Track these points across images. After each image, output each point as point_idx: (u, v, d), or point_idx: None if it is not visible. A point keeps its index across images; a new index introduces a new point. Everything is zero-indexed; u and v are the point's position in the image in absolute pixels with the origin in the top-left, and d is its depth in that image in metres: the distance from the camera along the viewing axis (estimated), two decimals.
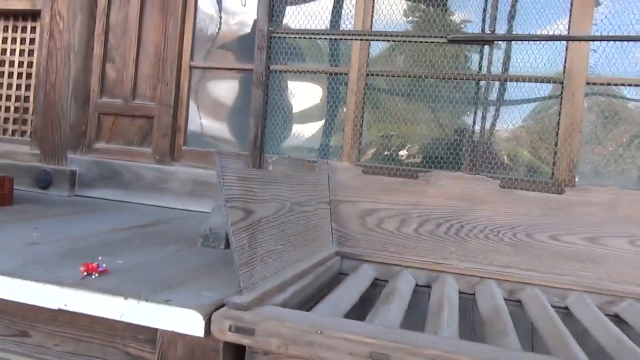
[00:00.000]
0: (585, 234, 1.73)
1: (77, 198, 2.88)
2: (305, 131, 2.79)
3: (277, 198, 1.42)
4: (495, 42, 1.85)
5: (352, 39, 2.27)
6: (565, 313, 1.65)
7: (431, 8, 2.57)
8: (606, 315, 1.57)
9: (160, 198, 2.84)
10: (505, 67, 2.45)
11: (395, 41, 2.10)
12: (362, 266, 1.83)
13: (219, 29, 2.96)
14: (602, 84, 2.39)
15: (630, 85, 2.37)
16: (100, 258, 1.38)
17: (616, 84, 2.38)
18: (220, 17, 2.97)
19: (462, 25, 2.59)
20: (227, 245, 1.89)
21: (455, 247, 1.82)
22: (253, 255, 1.21)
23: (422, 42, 1.96)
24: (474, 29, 2.58)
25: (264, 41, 2.08)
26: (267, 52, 2.08)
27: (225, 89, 2.96)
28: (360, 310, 1.52)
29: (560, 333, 1.26)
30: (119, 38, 3.02)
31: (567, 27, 2.42)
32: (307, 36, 2.11)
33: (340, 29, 2.68)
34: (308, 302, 1.48)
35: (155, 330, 1.14)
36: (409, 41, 2.05)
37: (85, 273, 1.24)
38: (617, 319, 1.63)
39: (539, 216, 1.78)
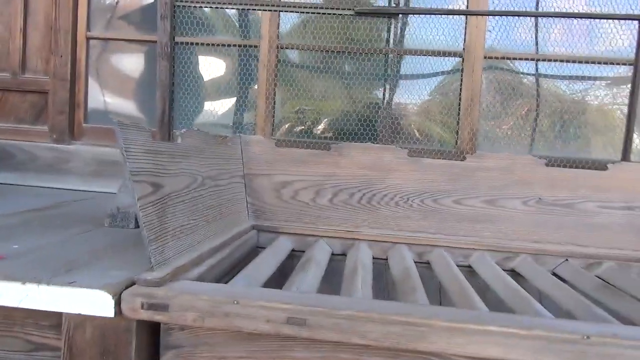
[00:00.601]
0: (485, 197, 1.86)
1: None
2: (218, 107, 2.72)
3: (187, 172, 1.37)
4: (400, 14, 1.90)
5: (260, 10, 2.23)
6: (469, 271, 1.77)
7: None
8: (504, 270, 1.72)
9: (61, 180, 2.64)
10: (411, 41, 2.54)
11: (304, 12, 2.10)
12: (279, 238, 1.84)
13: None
14: (498, 58, 2.56)
15: (523, 59, 2.56)
16: None
17: (510, 58, 2.56)
18: None
19: (373, 1, 2.64)
20: (137, 225, 1.81)
21: (367, 215, 1.88)
22: (164, 230, 1.16)
23: (330, 14, 1.97)
24: (383, 3, 2.64)
25: (167, 10, 1.97)
26: (172, 21, 1.97)
27: (129, 63, 2.79)
28: (278, 280, 1.52)
29: (464, 289, 1.36)
30: (2, 5, 2.72)
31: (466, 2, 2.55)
32: (214, 5, 2.03)
33: None
34: (225, 276, 1.46)
35: (60, 314, 1.07)
36: (318, 13, 2.05)
37: None
38: (514, 273, 1.78)
39: (443, 182, 1.88)
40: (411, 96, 2.65)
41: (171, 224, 1.20)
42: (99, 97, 2.77)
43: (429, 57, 2.55)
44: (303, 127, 2.68)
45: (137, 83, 2.78)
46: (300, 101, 2.62)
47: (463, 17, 2.50)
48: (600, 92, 2.57)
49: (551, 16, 1.98)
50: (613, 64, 2.47)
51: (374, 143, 2.06)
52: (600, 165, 1.86)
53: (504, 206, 1.86)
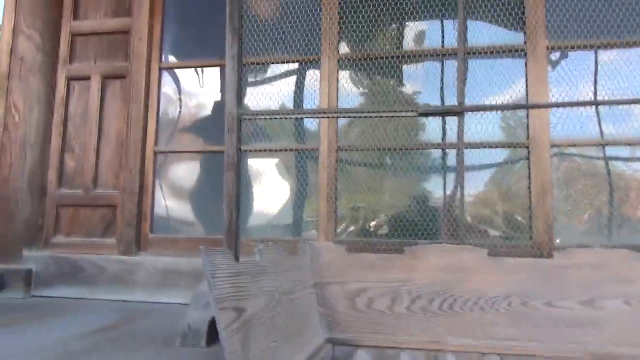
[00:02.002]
0: (580, 297, 1.69)
1: (33, 299, 2.65)
2: (277, 208, 2.72)
3: (266, 290, 1.31)
4: (465, 112, 1.88)
5: (324, 117, 2.28)
6: None
7: (391, 82, 2.65)
8: None
9: (127, 291, 2.65)
10: (471, 135, 2.51)
11: (366, 117, 2.12)
12: (357, 353, 1.71)
13: (179, 111, 2.93)
14: (565, 146, 2.47)
15: (589, 145, 2.46)
16: None
17: (576, 145, 2.47)
18: (180, 100, 2.95)
19: (414, 96, 2.67)
20: (209, 342, 1.74)
21: (450, 322, 1.74)
22: (247, 359, 1.08)
23: (393, 116, 1.98)
24: (424, 99, 2.66)
25: (234, 124, 2.04)
26: (238, 134, 2.03)
27: (190, 171, 2.89)
28: None
29: None
30: (79, 127, 2.93)
31: (524, 93, 2.53)
32: (277, 116, 2.09)
33: (304, 106, 2.71)
34: None
35: None
36: (381, 117, 2.07)
37: None
38: None
39: (531, 283, 1.73)
40: (476, 188, 2.57)
41: (253, 351, 1.13)
42: (163, 206, 2.84)
43: (492, 149, 2.51)
44: (365, 223, 2.63)
45: (197, 189, 2.85)
46: (359, 196, 2.58)
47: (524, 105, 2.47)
48: None
49: (619, 103, 1.91)
50: None
51: (448, 243, 1.96)
52: None
53: (604, 307, 1.67)
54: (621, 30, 2.49)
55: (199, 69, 2.93)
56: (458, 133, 2.00)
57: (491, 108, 2.14)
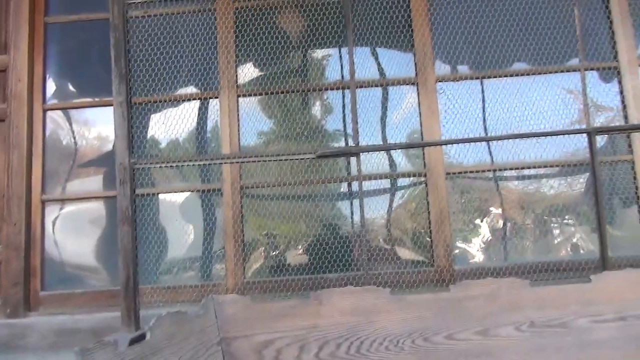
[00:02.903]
0: (477, 328, 1.77)
1: None
2: (183, 251, 2.62)
3: None
4: (360, 153, 1.93)
5: (224, 162, 2.23)
6: None
7: (292, 114, 2.66)
8: None
9: (18, 358, 2.40)
10: (371, 166, 2.58)
11: (265, 161, 2.10)
12: None
13: (70, 155, 2.74)
14: (458, 173, 2.61)
15: (481, 171, 2.62)
16: None
17: (470, 172, 2.62)
18: (71, 143, 2.76)
19: (317, 127, 2.71)
20: None
21: None
22: None
23: (293, 159, 1.98)
24: (330, 125, 2.71)
25: (126, 174, 1.93)
26: (132, 185, 1.93)
27: (84, 219, 2.69)
28: None
29: None
30: None
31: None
32: (173, 164, 2.01)
33: (207, 143, 2.64)
34: None
35: None
36: (280, 160, 2.06)
37: None
38: None
39: (431, 318, 1.79)
40: (380, 218, 2.64)
41: None
42: (55, 259, 2.62)
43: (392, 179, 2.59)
44: (274, 262, 2.60)
45: (98, 239, 2.67)
46: (269, 234, 2.56)
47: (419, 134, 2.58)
48: (558, 189, 2.64)
49: (505, 138, 2.05)
50: (565, 165, 2.57)
51: (352, 285, 1.99)
52: (584, 278, 1.83)
53: (498, 335, 1.77)
54: (504, 62, 2.70)
55: (90, 109, 2.75)
56: (357, 170, 2.04)
57: (385, 148, 2.22)
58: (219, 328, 1.78)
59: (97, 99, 2.74)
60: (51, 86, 2.77)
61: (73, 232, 2.64)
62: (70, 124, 2.75)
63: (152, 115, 2.72)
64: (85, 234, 2.66)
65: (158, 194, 2.57)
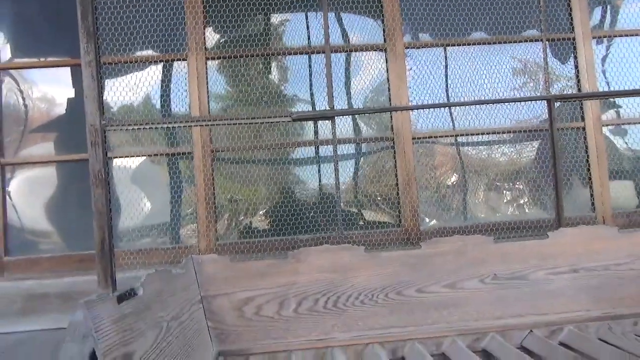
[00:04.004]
0: (445, 281, 1.90)
1: None
2: (154, 215, 2.61)
3: (153, 323, 1.27)
4: (334, 117, 1.97)
5: (196, 125, 2.21)
6: (444, 359, 1.77)
7: (264, 78, 2.66)
8: (475, 352, 1.74)
9: None
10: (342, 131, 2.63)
11: (240, 124, 2.10)
12: None
13: (29, 116, 2.63)
14: (423, 138, 2.71)
15: (445, 136, 2.73)
16: None
17: (434, 137, 2.72)
18: (29, 104, 2.65)
19: (289, 91, 2.73)
20: None
21: (336, 319, 1.84)
22: None
23: (268, 122, 1.99)
24: (299, 91, 2.73)
25: (97, 136, 1.89)
26: (103, 147, 1.89)
27: (48, 183, 2.62)
28: None
29: None
30: None
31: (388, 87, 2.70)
32: (146, 126, 1.98)
33: (175, 107, 2.61)
34: None
35: None
36: (256, 123, 2.07)
37: None
38: (485, 354, 1.80)
39: (404, 273, 1.90)
40: (351, 182, 2.71)
41: None
42: (20, 226, 2.55)
43: (362, 143, 2.65)
44: (245, 222, 2.63)
45: (63, 203, 2.60)
46: (240, 197, 2.58)
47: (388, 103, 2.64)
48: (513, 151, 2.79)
49: (470, 104, 2.14)
50: (524, 131, 2.71)
51: (329, 244, 2.06)
52: (541, 234, 1.98)
53: (464, 287, 1.90)
54: (467, 30, 2.78)
55: (52, 69, 2.64)
56: (332, 133, 2.08)
57: (358, 112, 2.27)
58: (199, 286, 1.82)
59: (58, 58, 2.63)
60: (4, 43, 2.62)
61: (35, 196, 2.57)
62: (22, 85, 2.63)
63: (118, 78, 2.64)
64: (47, 198, 2.59)
65: (127, 156, 2.53)
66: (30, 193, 2.57)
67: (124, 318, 1.09)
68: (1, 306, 2.35)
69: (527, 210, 2.75)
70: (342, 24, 2.77)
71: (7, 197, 2.53)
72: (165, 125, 2.14)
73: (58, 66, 2.64)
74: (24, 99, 2.61)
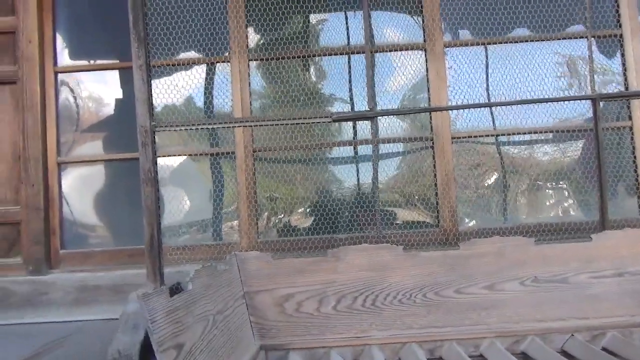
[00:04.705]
0: (484, 283, 1.90)
1: None
2: (197, 213, 2.70)
3: (201, 316, 1.34)
4: (375, 117, 2.00)
5: (239, 126, 2.28)
6: None
7: (305, 79, 2.70)
8: (515, 354, 1.73)
9: (42, 313, 2.52)
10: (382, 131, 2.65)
11: (281, 124, 2.16)
12: (289, 356, 1.79)
13: (84, 117, 2.78)
14: (465, 137, 2.69)
15: (487, 136, 2.70)
16: None
17: (475, 136, 2.71)
18: (84, 105, 2.79)
19: (330, 93, 2.76)
20: None
21: (374, 317, 1.87)
22: None
23: (309, 123, 2.04)
24: (339, 92, 2.76)
25: (148, 137, 1.99)
26: (153, 148, 1.99)
27: (100, 180, 2.76)
28: None
29: None
30: None
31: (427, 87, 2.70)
32: (191, 127, 2.07)
33: (218, 108, 2.69)
34: None
35: None
36: (297, 123, 2.12)
37: None
38: (524, 356, 1.80)
39: (442, 273, 1.91)
40: (390, 181, 2.73)
41: None
42: (75, 220, 2.70)
43: (401, 143, 2.67)
44: (287, 220, 2.69)
45: (114, 200, 2.74)
46: (282, 196, 2.64)
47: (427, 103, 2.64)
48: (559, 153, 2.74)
49: (510, 104, 2.12)
50: (569, 131, 2.66)
51: (367, 243, 2.09)
52: (585, 237, 1.95)
53: (504, 289, 1.90)
54: (508, 27, 2.75)
55: (102, 72, 2.78)
56: (372, 133, 2.11)
57: (399, 112, 2.29)
58: (242, 282, 1.89)
59: (110, 61, 2.76)
60: (61, 48, 2.77)
61: (90, 194, 2.71)
62: (75, 87, 2.77)
63: (163, 79, 2.75)
64: (102, 195, 2.73)
65: (172, 155, 2.63)
66: (83, 190, 2.72)
67: (176, 311, 1.16)
68: (57, 297, 2.50)
69: (570, 212, 2.70)
70: (381, 23, 2.79)
71: (64, 193, 2.68)
72: (210, 127, 2.22)
73: (109, 69, 2.77)
74: (76, 100, 2.76)
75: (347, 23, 2.79)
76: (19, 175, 2.61)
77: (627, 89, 2.67)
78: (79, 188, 2.72)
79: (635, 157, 2.63)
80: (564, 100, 2.32)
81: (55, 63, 2.74)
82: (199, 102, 2.71)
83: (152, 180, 2.02)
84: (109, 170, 2.73)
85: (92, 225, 2.71)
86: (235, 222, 2.63)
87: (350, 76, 2.70)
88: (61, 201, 2.66)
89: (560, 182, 2.73)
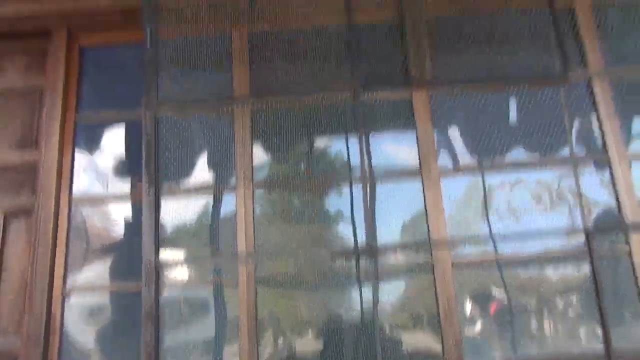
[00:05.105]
0: None
1: None
2: (199, 344, 2.67)
3: None
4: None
5: (240, 263, 2.34)
6: None
7: (309, 207, 2.81)
8: None
9: None
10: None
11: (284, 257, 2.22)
12: None
13: (92, 248, 2.86)
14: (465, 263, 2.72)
15: (488, 261, 2.73)
16: None
17: (475, 262, 2.74)
18: (93, 235, 2.89)
19: (331, 220, 2.84)
20: None
21: None
22: None
23: (309, 258, 2.10)
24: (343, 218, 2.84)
25: (152, 275, 2.04)
26: (157, 286, 2.03)
27: (105, 309, 2.77)
28: None
29: None
30: None
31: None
32: (196, 263, 2.13)
33: (223, 238, 2.77)
34: None
35: None
36: (298, 258, 2.18)
37: None
38: None
39: None
40: (394, 307, 2.71)
41: None
42: (73, 351, 2.67)
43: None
44: (285, 347, 2.65)
45: (114, 332, 2.72)
46: (285, 332, 2.62)
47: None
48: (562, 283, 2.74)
49: (511, 237, 2.18)
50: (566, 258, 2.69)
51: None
52: None
53: None
54: (505, 154, 2.89)
55: (115, 201, 2.92)
56: (373, 270, 2.15)
57: (400, 246, 2.35)
58: None
59: (123, 194, 2.91)
60: (78, 180, 2.93)
61: (93, 325, 2.71)
62: (96, 216, 2.89)
63: (172, 206, 2.86)
64: (102, 325, 2.72)
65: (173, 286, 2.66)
66: (87, 321, 2.72)
67: None
68: None
69: (580, 340, 2.64)
70: (379, 152, 2.94)
71: (65, 324, 2.68)
72: (212, 261, 2.28)
73: (122, 201, 2.91)
74: (87, 231, 2.86)
75: (348, 153, 2.94)
76: (24, 304, 2.62)
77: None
78: (83, 320, 2.72)
79: (638, 287, 2.61)
80: (556, 233, 2.38)
81: (70, 192, 2.88)
82: (205, 230, 2.80)
83: (154, 318, 2.05)
84: (114, 300, 2.75)
85: (91, 356, 2.67)
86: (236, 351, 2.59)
87: (352, 207, 2.78)
88: (62, 332, 2.64)
89: (570, 309, 2.70)
